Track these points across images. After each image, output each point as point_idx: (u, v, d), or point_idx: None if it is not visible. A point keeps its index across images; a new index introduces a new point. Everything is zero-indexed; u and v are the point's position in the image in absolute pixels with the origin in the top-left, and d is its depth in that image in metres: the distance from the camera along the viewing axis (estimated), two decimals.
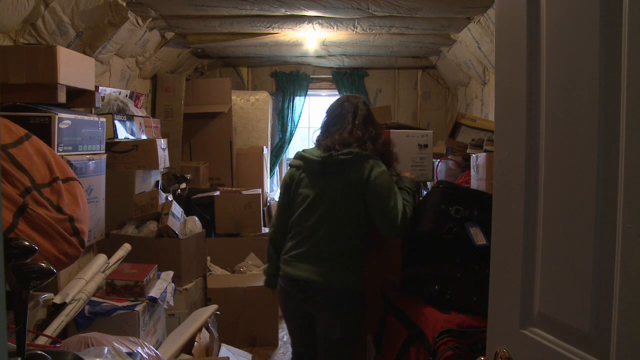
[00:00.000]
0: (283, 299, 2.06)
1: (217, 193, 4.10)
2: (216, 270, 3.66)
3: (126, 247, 2.66)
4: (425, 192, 2.81)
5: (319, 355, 2.03)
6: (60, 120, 2.19)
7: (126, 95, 3.56)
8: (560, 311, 0.92)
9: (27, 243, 1.12)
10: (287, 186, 2.08)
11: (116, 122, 3.09)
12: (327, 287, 1.91)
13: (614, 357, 0.80)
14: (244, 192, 4.13)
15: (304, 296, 1.95)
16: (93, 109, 2.85)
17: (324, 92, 5.60)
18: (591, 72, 0.85)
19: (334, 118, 2.07)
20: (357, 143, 1.96)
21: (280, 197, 2.14)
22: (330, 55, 4.88)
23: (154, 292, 2.42)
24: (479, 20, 3.31)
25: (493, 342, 1.09)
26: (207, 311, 2.87)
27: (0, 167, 1.55)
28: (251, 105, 4.96)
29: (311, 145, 2.16)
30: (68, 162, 2.15)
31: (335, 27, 3.66)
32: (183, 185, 3.90)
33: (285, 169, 5.57)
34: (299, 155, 2.07)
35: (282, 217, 2.09)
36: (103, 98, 3.18)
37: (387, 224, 1.88)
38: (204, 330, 2.64)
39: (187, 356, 2.45)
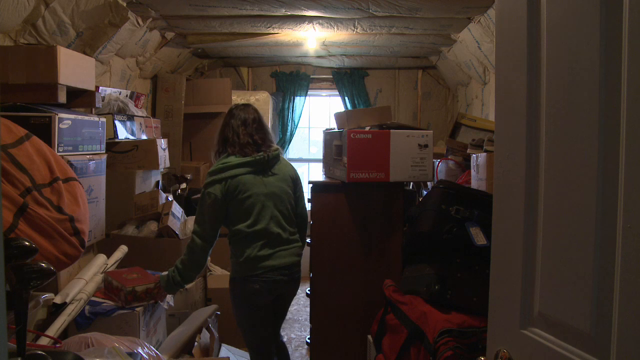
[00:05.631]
0: (259, 291, 2.17)
1: None
2: (216, 270, 3.66)
3: (123, 249, 2.66)
4: (425, 192, 2.81)
5: (278, 323, 2.39)
6: (61, 120, 2.19)
7: (126, 96, 3.56)
8: (561, 311, 0.92)
9: (27, 243, 1.12)
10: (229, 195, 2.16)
11: (116, 122, 3.09)
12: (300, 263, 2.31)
13: (614, 357, 0.80)
14: None
15: (289, 278, 2.22)
16: (93, 109, 2.85)
17: (324, 92, 5.60)
18: (591, 72, 0.85)
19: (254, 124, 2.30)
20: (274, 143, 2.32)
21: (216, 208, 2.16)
22: (330, 55, 4.88)
23: None
24: (479, 20, 3.31)
25: (493, 342, 1.09)
26: (207, 311, 2.87)
27: (0, 167, 1.55)
28: None
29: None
30: (68, 162, 2.15)
31: (335, 27, 3.66)
32: (183, 186, 3.90)
33: None
34: (234, 164, 2.17)
35: (218, 225, 2.18)
36: (103, 98, 3.19)
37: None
38: (204, 330, 2.64)
39: (187, 356, 2.45)
